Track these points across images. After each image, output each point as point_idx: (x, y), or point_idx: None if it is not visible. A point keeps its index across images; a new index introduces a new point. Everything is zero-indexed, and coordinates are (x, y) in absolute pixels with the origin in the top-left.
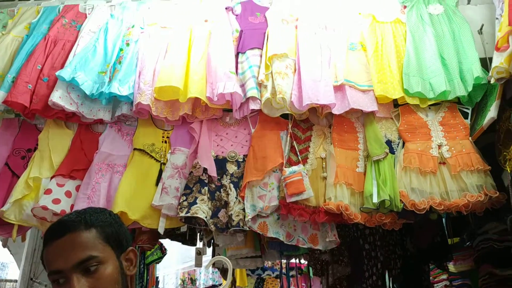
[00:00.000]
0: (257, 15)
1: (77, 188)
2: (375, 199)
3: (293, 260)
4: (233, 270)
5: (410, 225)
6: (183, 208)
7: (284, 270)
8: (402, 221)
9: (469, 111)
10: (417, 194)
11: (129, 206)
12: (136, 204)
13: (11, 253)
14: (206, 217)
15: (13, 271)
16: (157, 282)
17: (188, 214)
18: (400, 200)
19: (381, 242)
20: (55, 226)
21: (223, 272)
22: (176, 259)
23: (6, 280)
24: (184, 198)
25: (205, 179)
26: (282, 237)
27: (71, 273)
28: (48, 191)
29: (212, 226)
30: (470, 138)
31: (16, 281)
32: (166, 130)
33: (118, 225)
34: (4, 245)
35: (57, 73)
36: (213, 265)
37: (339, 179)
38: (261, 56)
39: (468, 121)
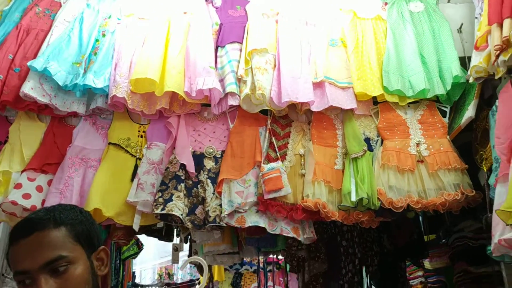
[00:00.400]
0: (237, 8)
1: (49, 182)
2: (353, 197)
3: (271, 255)
4: (211, 266)
5: (387, 223)
6: (158, 205)
7: (261, 265)
8: (379, 219)
9: (448, 110)
10: (395, 192)
11: (103, 202)
12: (111, 200)
13: None
14: (182, 215)
15: None
16: (134, 277)
17: (164, 211)
18: (378, 198)
19: (359, 239)
20: (22, 224)
21: (200, 268)
22: (153, 254)
23: None
24: (160, 194)
25: (182, 175)
26: (264, 224)
27: (39, 274)
28: (18, 186)
29: (189, 223)
30: (448, 136)
31: None
32: (142, 124)
33: (89, 223)
34: None
35: (29, 63)
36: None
37: (317, 177)
38: (240, 50)
39: (446, 120)
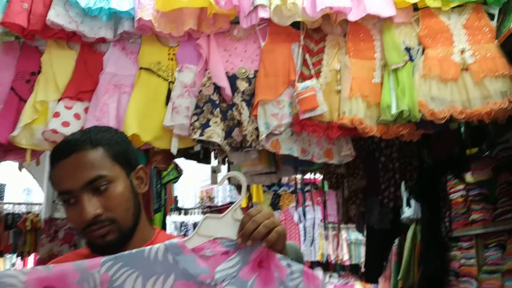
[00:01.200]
0: None
1: (86, 110)
2: (393, 110)
3: (308, 176)
4: (249, 186)
5: (427, 136)
6: (195, 129)
7: (299, 186)
8: (420, 131)
9: (496, 12)
10: (437, 103)
11: (140, 127)
12: (147, 125)
13: (34, 178)
14: (220, 140)
15: (38, 195)
16: (176, 202)
17: (203, 137)
18: (419, 110)
19: (398, 154)
20: (60, 146)
21: (240, 188)
22: (193, 179)
23: (33, 204)
24: (196, 118)
25: (216, 99)
26: (297, 153)
27: (81, 193)
28: (56, 114)
29: (226, 147)
30: (496, 41)
31: (41, 204)
32: (172, 47)
33: (125, 143)
34: (20, 169)
35: None
36: (229, 181)
37: (354, 92)
38: None
39: (494, 23)
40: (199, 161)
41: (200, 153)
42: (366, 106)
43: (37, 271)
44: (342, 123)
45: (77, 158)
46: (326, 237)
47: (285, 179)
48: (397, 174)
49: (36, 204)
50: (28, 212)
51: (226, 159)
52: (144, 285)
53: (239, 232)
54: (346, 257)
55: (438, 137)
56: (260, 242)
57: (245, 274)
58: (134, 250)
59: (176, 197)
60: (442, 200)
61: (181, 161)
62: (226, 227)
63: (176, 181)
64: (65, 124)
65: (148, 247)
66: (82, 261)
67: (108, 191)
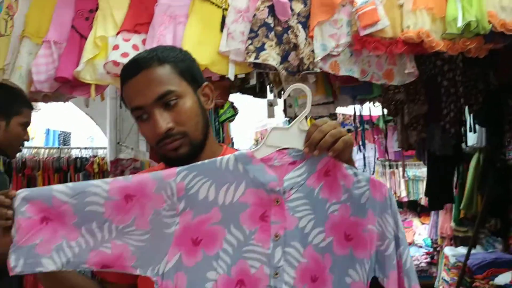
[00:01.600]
0: None
1: (143, 42)
2: (459, 23)
3: (365, 113)
4: (307, 118)
5: (493, 57)
6: (250, 53)
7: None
8: (488, 46)
9: None
10: (508, 12)
11: (197, 52)
12: (204, 51)
13: (96, 124)
14: (276, 64)
15: (100, 140)
16: (233, 143)
17: (258, 60)
18: (488, 21)
19: (461, 78)
20: (129, 65)
21: None
22: (248, 121)
23: (97, 148)
24: (250, 42)
25: (271, 23)
26: (357, 74)
27: (152, 108)
28: (115, 47)
29: (283, 71)
30: None
31: (105, 148)
32: None
33: (190, 61)
34: (87, 105)
35: None
36: (285, 114)
37: (418, 5)
38: None
39: None
40: (255, 95)
41: (256, 87)
42: (431, 20)
43: (119, 181)
44: (407, 37)
45: (146, 75)
46: (383, 174)
47: (340, 118)
48: (461, 98)
49: (100, 148)
50: (95, 156)
51: (282, 92)
52: (217, 193)
53: (305, 142)
54: (404, 193)
55: (506, 55)
56: (327, 151)
57: (312, 182)
58: (206, 161)
59: (232, 138)
60: (508, 124)
61: (236, 99)
62: (293, 137)
63: (233, 119)
64: (125, 55)
65: (219, 157)
66: (158, 172)
67: (178, 106)
